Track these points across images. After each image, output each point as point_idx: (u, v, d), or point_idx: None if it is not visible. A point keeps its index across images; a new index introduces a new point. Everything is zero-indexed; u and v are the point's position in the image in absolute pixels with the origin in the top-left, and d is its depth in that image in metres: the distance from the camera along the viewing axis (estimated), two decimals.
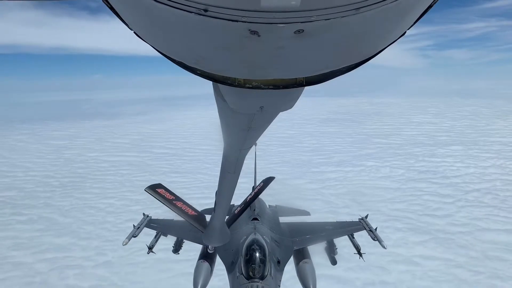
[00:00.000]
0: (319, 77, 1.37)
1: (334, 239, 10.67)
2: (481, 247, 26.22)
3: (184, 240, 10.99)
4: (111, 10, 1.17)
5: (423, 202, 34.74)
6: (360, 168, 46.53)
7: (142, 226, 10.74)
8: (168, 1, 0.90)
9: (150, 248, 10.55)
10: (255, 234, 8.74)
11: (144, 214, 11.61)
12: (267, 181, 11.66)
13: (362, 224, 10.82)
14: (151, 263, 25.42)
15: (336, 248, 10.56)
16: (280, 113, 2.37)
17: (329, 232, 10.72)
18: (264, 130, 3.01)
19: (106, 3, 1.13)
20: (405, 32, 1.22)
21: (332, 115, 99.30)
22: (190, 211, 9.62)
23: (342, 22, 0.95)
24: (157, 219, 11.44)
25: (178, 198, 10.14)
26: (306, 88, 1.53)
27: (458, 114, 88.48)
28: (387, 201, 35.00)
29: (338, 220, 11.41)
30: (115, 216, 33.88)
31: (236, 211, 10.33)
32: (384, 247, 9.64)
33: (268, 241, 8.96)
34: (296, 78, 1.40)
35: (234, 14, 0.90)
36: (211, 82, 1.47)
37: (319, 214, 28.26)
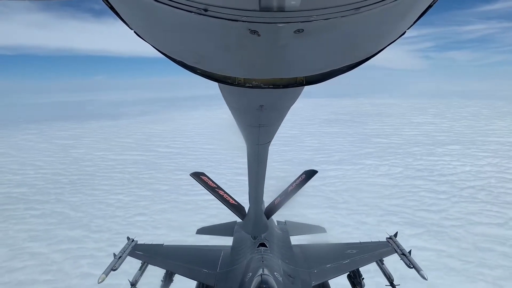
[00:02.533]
0: (319, 77, 1.37)
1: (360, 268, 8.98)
2: (473, 239, 27.60)
3: (175, 274, 9.26)
4: (111, 10, 1.17)
5: (419, 198, 36.12)
6: (359, 166, 47.95)
7: (125, 254, 8.98)
8: (168, 1, 0.91)
9: (133, 285, 8.62)
10: (263, 271, 6.95)
11: (128, 238, 9.88)
12: (310, 173, 10.76)
13: (391, 246, 9.31)
14: None
15: (363, 278, 8.96)
16: None
17: (353, 260, 8.94)
18: (277, 127, 3.07)
19: (106, 3, 1.13)
20: (405, 32, 1.23)
21: (333, 115, 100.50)
22: (231, 200, 9.89)
23: (342, 21, 0.95)
24: (144, 245, 9.82)
25: (219, 187, 10.40)
26: (307, 88, 1.54)
27: (458, 115, 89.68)
28: (385, 197, 36.41)
29: (361, 241, 9.90)
30: (124, 211, 35.43)
31: (276, 202, 9.65)
32: (424, 277, 7.78)
33: (280, 279, 7.27)
34: (296, 78, 1.40)
35: (234, 13, 0.91)
36: (214, 83, 1.47)
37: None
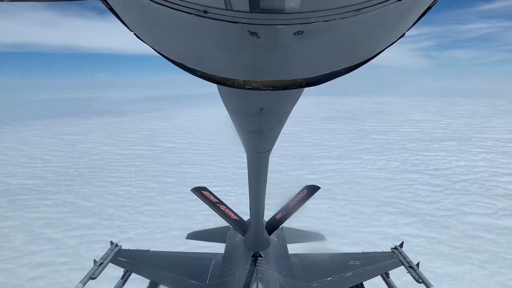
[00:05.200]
0: (319, 78, 1.38)
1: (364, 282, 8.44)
2: (462, 228, 29.28)
3: (160, 284, 8.54)
4: (111, 11, 1.19)
5: (414, 190, 37.79)
6: (358, 161, 49.62)
7: (106, 261, 8.13)
8: (168, 3, 0.92)
9: None
10: (257, 286, 6.41)
11: (111, 242, 9.12)
12: (312, 189, 10.57)
13: (397, 257, 8.71)
14: (168, 238, 28.85)
15: None
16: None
17: (357, 272, 8.37)
18: (277, 134, 3.08)
19: (106, 4, 1.15)
20: (405, 33, 1.24)
21: (334, 113, 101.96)
22: (232, 216, 9.43)
23: (342, 23, 0.95)
24: (128, 250, 9.05)
25: (221, 202, 9.99)
26: (307, 88, 1.54)
27: (456, 113, 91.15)
28: (381, 190, 38.09)
29: (364, 251, 9.41)
30: (133, 201, 37.22)
31: (278, 217, 9.32)
32: None
33: None
34: (295, 79, 1.42)
35: (233, 15, 0.91)
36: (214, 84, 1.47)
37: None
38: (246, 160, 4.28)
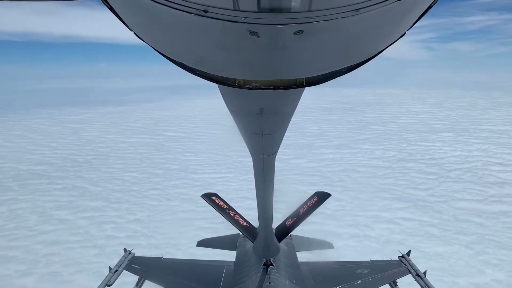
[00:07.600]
0: (319, 78, 1.39)
1: None
2: (453, 212, 30.81)
3: None
4: (111, 11, 1.19)
5: (409, 178, 39.27)
6: (356, 150, 51.07)
7: (121, 268, 8.34)
8: (168, 2, 0.92)
9: None
10: None
11: (125, 250, 9.24)
12: (322, 196, 10.48)
13: (405, 265, 8.78)
14: (175, 220, 30.43)
15: None
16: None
17: (365, 281, 8.53)
18: (281, 136, 3.08)
19: (106, 3, 1.15)
20: (404, 33, 1.24)
21: (335, 104, 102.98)
22: (242, 222, 9.44)
23: (342, 23, 0.96)
24: (141, 258, 9.20)
25: (231, 208, 9.99)
26: (307, 87, 1.54)
27: (455, 105, 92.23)
28: (378, 177, 39.60)
29: (372, 259, 9.45)
30: (139, 186, 38.80)
31: (287, 224, 9.31)
32: None
33: None
34: (296, 79, 1.42)
35: (233, 15, 0.91)
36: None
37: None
38: (248, 154, 4.17)
